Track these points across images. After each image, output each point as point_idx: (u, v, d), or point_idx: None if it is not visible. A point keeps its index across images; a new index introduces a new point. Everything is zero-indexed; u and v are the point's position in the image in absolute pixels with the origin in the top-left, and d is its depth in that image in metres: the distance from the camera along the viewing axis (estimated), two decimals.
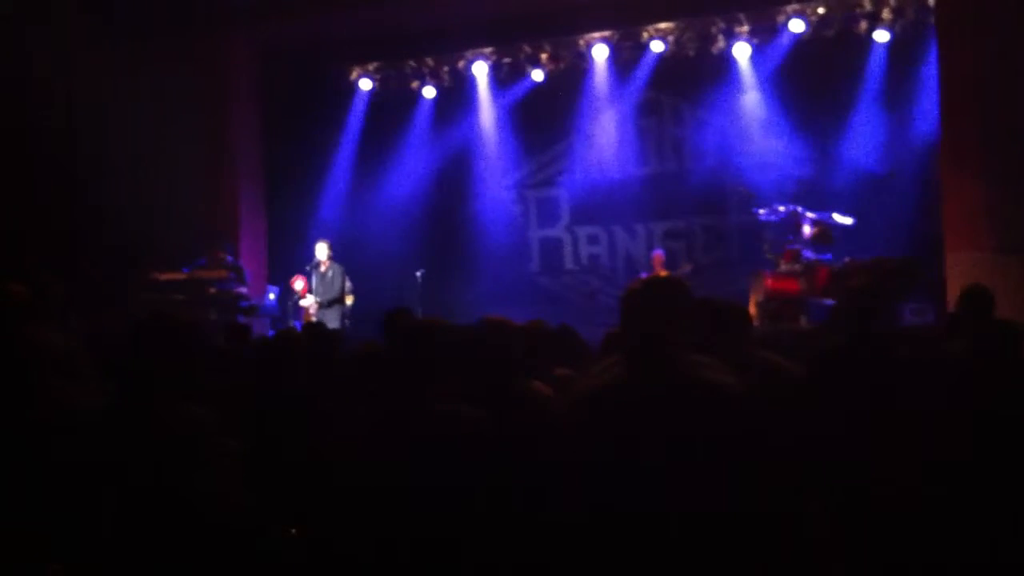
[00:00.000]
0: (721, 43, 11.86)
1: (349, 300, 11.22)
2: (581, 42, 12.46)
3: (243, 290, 11.10)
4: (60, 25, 10.74)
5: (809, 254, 10.19)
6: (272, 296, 11.90)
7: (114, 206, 11.09)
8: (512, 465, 2.95)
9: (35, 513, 2.86)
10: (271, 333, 9.88)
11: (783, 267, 10.22)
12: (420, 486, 2.87)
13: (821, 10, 11.29)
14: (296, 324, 11.34)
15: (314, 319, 10.86)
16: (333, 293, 10.99)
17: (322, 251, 11.11)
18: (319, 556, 3.13)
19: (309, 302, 11.02)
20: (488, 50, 12.86)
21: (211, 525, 2.93)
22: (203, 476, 2.94)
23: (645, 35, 12.16)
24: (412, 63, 13.16)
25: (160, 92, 11.28)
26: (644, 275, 11.34)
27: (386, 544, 2.88)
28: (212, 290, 10.82)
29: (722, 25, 11.79)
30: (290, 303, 11.58)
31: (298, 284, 11.16)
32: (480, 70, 12.96)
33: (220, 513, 2.96)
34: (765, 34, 11.68)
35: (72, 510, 2.81)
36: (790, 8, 11.39)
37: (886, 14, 11.04)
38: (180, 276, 10.83)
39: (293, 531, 3.32)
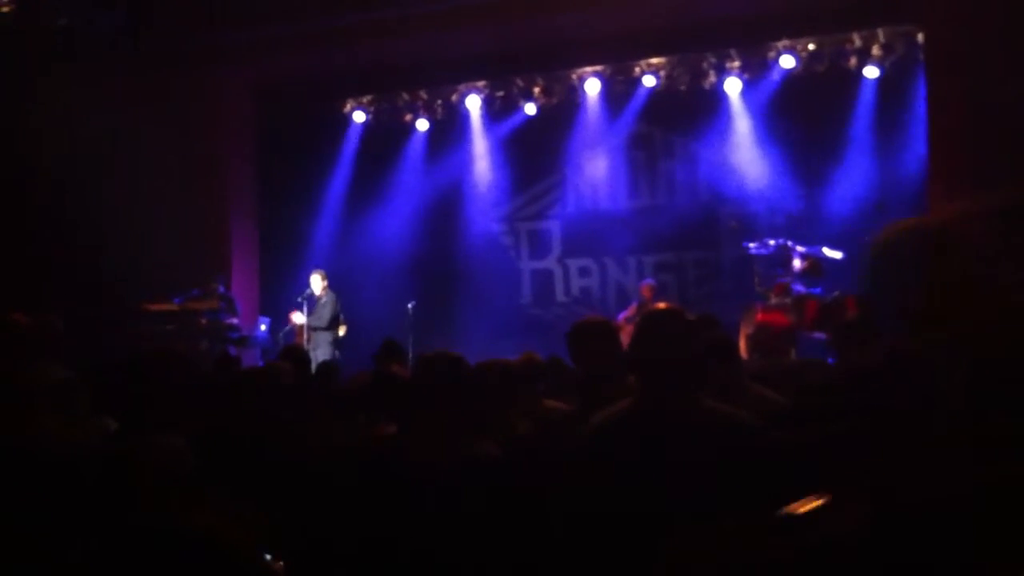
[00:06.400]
0: (712, 78, 11.96)
1: (342, 330, 11.23)
2: (574, 76, 12.54)
3: (234, 321, 11.14)
4: (58, 62, 10.76)
5: (799, 287, 10.21)
6: (263, 327, 11.89)
7: (110, 239, 11.12)
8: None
9: (27, 546, 2.84)
10: (261, 364, 9.86)
11: (773, 300, 10.24)
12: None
13: (812, 46, 11.40)
14: None
15: (306, 342, 10.88)
16: (322, 322, 11.02)
17: (316, 282, 11.16)
18: None
19: (300, 320, 11.06)
20: (481, 83, 12.93)
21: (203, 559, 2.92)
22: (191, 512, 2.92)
23: (637, 70, 12.24)
24: (405, 96, 13.21)
25: (156, 127, 11.30)
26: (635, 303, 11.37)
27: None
28: (203, 321, 10.87)
29: (713, 60, 11.89)
30: (281, 334, 11.57)
31: (296, 317, 11.19)
32: (473, 103, 13.03)
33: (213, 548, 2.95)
34: (756, 69, 11.79)
35: (65, 544, 2.80)
36: (781, 44, 11.50)
37: (876, 50, 11.15)
38: (172, 307, 10.86)
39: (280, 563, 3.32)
